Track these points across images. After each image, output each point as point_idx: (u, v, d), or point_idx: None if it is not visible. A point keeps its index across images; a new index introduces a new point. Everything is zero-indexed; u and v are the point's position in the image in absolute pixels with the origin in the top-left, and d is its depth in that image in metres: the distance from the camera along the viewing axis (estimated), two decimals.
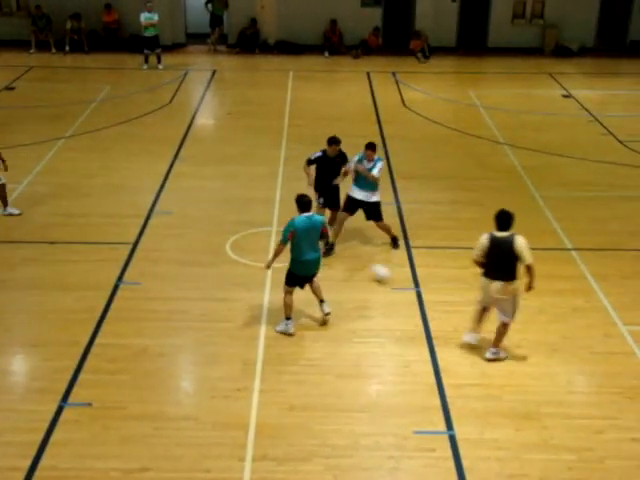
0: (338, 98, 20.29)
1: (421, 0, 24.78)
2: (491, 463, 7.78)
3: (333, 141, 11.82)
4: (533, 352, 9.54)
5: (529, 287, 9.07)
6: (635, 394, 8.81)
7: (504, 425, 8.30)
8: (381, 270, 11.08)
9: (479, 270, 9.24)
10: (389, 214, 13.11)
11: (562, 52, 24.65)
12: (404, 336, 9.87)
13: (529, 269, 8.97)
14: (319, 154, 11.94)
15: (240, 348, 9.54)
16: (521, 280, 9.08)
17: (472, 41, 25.36)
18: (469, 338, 9.58)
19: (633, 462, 7.81)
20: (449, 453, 7.90)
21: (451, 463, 7.77)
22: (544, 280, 10.50)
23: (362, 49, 24.44)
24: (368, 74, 22.41)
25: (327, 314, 9.98)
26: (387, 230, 12.12)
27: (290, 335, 9.73)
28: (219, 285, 10.97)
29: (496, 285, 9.03)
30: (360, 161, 11.61)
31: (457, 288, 10.95)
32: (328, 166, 11.89)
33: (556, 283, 10.99)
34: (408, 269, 11.47)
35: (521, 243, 8.91)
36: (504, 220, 9.04)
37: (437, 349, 9.58)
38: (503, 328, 9.30)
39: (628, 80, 22.67)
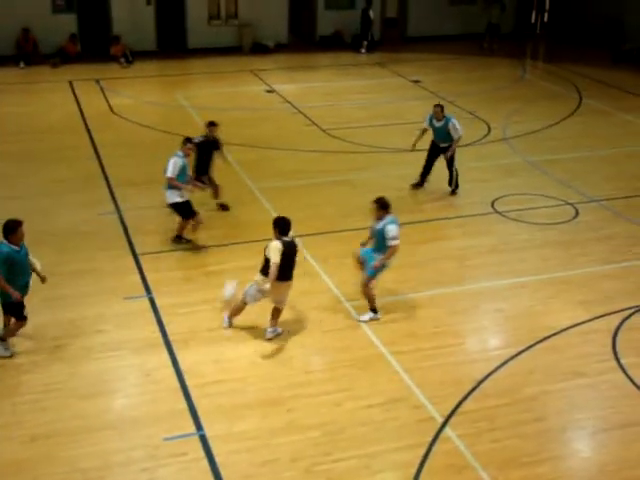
0: (42, 110, 19.40)
1: (116, 4, 24.42)
2: (243, 455, 7.98)
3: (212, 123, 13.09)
4: (271, 341, 9.91)
5: None
6: (365, 364, 9.48)
7: (251, 415, 8.55)
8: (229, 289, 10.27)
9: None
10: (110, 224, 12.91)
11: (260, 49, 25.58)
12: (143, 345, 9.77)
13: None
14: (201, 138, 12.94)
15: None
16: None
17: (172, 43, 25.46)
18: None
19: (370, 426, 8.42)
20: (202, 454, 7.98)
21: (205, 463, 7.85)
22: None
23: (60, 57, 23.55)
24: (70, 83, 21.66)
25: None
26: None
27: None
28: None
29: (287, 284, 9.71)
30: None
31: (188, 289, 11.06)
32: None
33: None
34: (137, 276, 11.36)
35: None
36: (287, 225, 9.59)
37: (177, 352, 9.60)
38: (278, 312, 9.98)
39: (321, 72, 24.11)
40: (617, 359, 9.59)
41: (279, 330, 10.03)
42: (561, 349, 9.83)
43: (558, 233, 12.94)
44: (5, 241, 9.01)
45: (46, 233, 12.54)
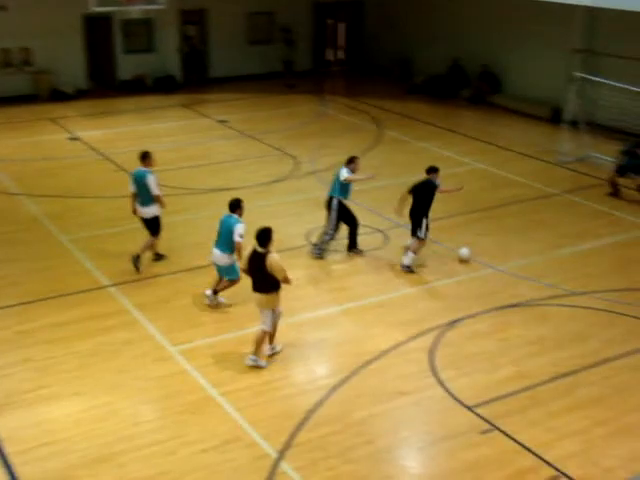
0: None
1: None
2: None
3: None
4: (95, 395, 9.56)
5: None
6: (196, 408, 9.36)
7: (80, 476, 8.16)
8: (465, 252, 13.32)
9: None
10: None
11: (59, 96, 24.79)
12: None
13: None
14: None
15: None
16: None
17: None
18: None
19: (207, 470, 8.30)
20: None
21: None
22: (91, 321, 10.81)
23: None
24: None
25: None
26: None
27: None
28: None
29: (257, 296, 10.07)
30: None
31: (5, 350, 10.46)
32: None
33: (103, 322, 11.14)
34: None
35: (271, 259, 9.77)
36: (259, 235, 9.83)
37: None
38: (262, 334, 10.15)
39: (126, 117, 23.65)
40: (435, 375, 10.07)
41: (278, 348, 10.49)
42: (384, 371, 10.19)
43: (373, 259, 13.45)
44: None
45: None
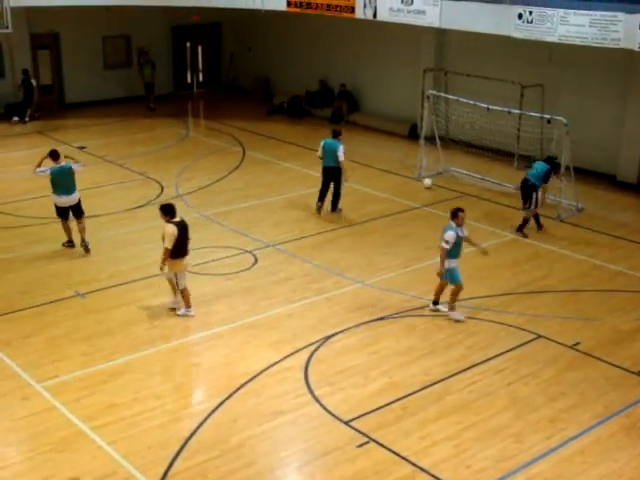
0: None
1: None
2: None
3: None
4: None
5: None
6: (65, 445, 9.01)
7: None
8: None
9: None
10: None
11: None
12: None
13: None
14: None
15: None
16: None
17: None
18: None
19: None
20: None
21: None
22: None
23: None
24: None
25: None
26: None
27: None
28: None
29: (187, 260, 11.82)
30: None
31: None
32: None
33: None
34: None
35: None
36: (173, 208, 11.39)
37: None
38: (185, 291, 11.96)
39: None
40: (311, 392, 10.15)
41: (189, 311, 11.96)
42: (260, 392, 10.17)
43: (242, 281, 13.42)
44: None
45: None
